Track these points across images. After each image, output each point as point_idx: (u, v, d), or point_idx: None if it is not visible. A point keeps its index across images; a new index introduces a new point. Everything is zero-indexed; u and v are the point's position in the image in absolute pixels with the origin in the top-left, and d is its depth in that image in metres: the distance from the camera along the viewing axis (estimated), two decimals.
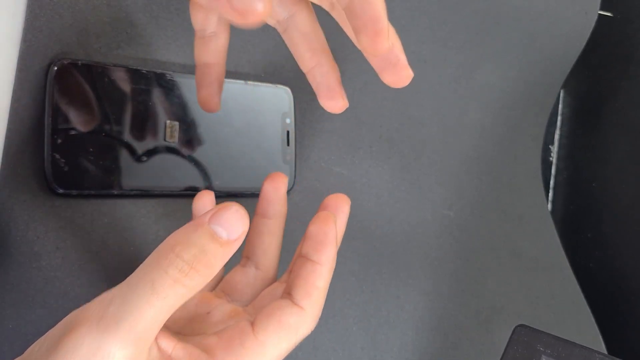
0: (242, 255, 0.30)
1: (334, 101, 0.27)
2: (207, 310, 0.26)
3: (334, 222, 0.24)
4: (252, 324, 0.23)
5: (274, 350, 0.22)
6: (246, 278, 0.29)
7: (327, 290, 0.24)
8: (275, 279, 0.30)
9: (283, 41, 0.40)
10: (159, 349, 0.21)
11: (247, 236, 0.29)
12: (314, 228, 0.24)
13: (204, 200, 0.28)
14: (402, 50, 0.24)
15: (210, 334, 0.24)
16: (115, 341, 0.19)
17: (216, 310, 0.26)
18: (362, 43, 0.22)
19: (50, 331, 0.20)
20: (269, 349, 0.22)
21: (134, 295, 0.19)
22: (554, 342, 0.33)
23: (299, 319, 0.23)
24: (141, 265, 0.20)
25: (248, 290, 0.29)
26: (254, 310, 0.26)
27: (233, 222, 0.21)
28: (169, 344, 0.22)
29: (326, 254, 0.24)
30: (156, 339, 0.21)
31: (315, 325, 0.24)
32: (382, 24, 0.22)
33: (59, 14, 0.32)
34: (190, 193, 0.32)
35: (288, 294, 0.24)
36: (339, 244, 0.26)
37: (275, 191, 0.29)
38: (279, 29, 0.28)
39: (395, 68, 0.24)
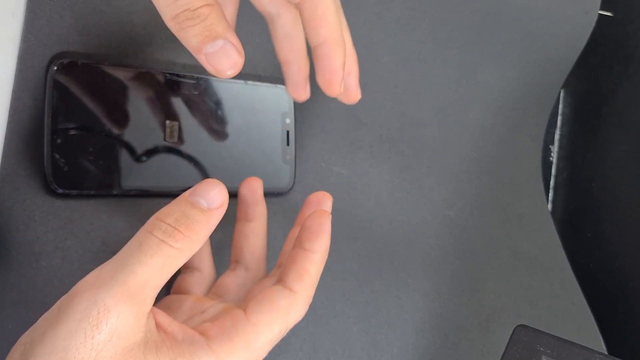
0: (230, 261, 0.31)
1: (297, 94, 0.31)
2: (201, 310, 0.27)
3: (329, 216, 0.26)
4: (245, 309, 0.24)
5: (267, 332, 0.23)
6: (237, 279, 0.29)
7: (318, 279, 0.25)
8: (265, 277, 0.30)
9: None
10: (157, 322, 0.22)
11: (233, 241, 0.30)
12: (310, 221, 0.26)
13: None
14: (357, 77, 0.29)
15: (204, 321, 0.24)
16: (109, 295, 0.20)
17: (211, 308, 0.27)
18: (320, 83, 0.27)
19: (56, 303, 0.21)
20: (261, 330, 0.23)
21: (125, 257, 0.21)
22: (554, 342, 0.33)
23: (290, 301, 0.24)
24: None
25: (240, 290, 0.29)
26: (246, 304, 0.27)
27: (211, 193, 0.23)
28: (166, 320, 0.23)
29: (319, 243, 0.25)
30: (154, 314, 0.22)
31: (306, 310, 0.25)
32: (337, 76, 0.26)
33: (59, 14, 0.32)
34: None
35: (280, 281, 0.25)
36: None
37: (253, 195, 0.31)
38: (266, 19, 0.30)
39: (346, 92, 0.29)
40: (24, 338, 0.21)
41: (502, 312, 0.47)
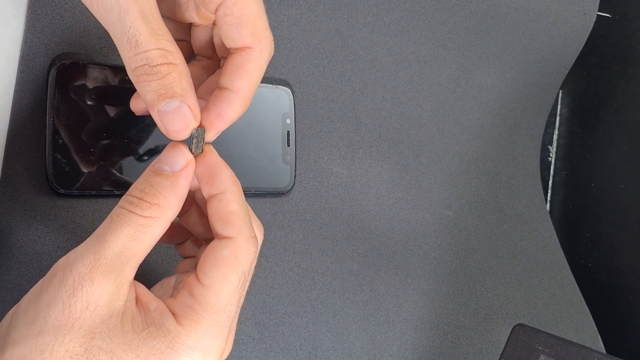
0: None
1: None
2: (170, 285, 0.27)
3: (215, 153, 0.25)
4: (196, 274, 0.23)
5: (226, 286, 0.22)
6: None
7: (245, 209, 0.24)
8: None
9: (282, 42, 0.40)
10: (138, 296, 0.22)
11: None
12: (199, 170, 0.24)
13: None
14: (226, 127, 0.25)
15: (168, 297, 0.24)
16: (83, 264, 0.21)
17: (178, 281, 0.26)
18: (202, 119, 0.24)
19: (40, 280, 0.22)
20: (218, 288, 0.22)
21: (98, 231, 0.22)
22: (553, 341, 0.33)
23: (232, 248, 0.23)
24: None
25: None
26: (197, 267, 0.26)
27: (173, 157, 0.23)
28: (143, 291, 0.23)
29: (221, 181, 0.24)
30: (135, 286, 0.23)
31: (255, 245, 0.24)
32: (223, 124, 0.24)
33: (60, 15, 0.32)
34: (190, 193, 0.32)
35: (215, 235, 0.24)
36: None
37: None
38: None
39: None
40: (11, 311, 0.22)
41: (500, 311, 0.47)
